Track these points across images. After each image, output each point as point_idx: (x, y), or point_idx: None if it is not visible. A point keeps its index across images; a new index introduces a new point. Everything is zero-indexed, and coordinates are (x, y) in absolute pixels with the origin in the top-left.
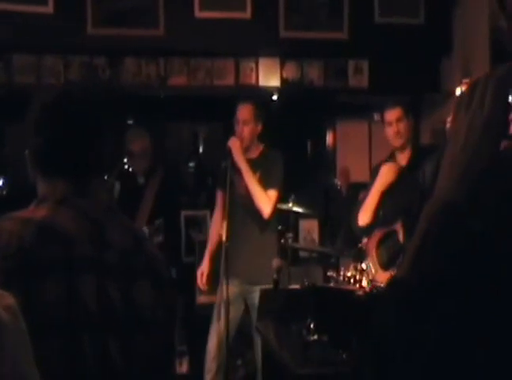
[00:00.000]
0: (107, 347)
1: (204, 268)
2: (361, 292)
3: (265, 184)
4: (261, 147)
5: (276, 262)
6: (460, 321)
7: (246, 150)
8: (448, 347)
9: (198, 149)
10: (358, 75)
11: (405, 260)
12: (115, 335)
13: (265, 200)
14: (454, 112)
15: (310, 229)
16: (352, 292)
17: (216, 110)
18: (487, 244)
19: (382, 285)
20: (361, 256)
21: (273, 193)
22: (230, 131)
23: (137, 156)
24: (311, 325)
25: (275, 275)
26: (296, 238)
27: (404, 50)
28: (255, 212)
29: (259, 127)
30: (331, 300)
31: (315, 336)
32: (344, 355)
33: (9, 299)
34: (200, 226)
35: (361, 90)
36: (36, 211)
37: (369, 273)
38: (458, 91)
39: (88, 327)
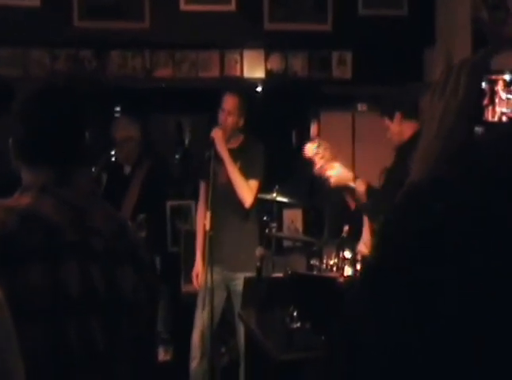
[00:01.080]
0: (90, 330)
1: (198, 269)
2: (342, 279)
3: (246, 174)
4: (241, 137)
5: (259, 251)
6: (419, 300)
7: (227, 139)
8: (406, 327)
9: (183, 140)
10: (342, 66)
11: (373, 242)
12: (98, 319)
13: (246, 190)
14: (429, 98)
15: (294, 218)
16: (333, 279)
17: (201, 101)
18: (449, 224)
19: None
20: (344, 244)
21: (253, 183)
22: (215, 122)
23: (124, 146)
24: (294, 313)
25: (258, 264)
26: (279, 228)
27: (387, 41)
28: (237, 201)
29: (242, 120)
30: (313, 287)
31: (298, 324)
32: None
33: None
34: (185, 215)
35: (344, 81)
36: (20, 200)
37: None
38: None
39: (72, 311)
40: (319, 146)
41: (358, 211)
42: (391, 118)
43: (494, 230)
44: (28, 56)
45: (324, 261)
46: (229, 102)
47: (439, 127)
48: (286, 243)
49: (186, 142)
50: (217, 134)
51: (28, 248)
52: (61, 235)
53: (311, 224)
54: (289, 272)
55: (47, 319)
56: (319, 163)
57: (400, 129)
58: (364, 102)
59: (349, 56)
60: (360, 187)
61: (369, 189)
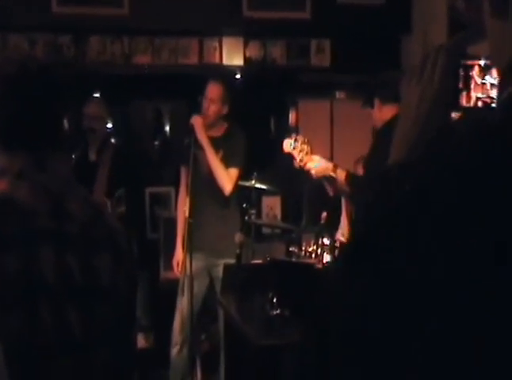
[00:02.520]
0: (67, 318)
1: (178, 257)
2: (320, 265)
3: (227, 163)
4: (225, 126)
5: (238, 237)
6: (387, 282)
7: (209, 127)
8: (372, 311)
9: (162, 126)
10: (320, 54)
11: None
12: (75, 305)
13: (225, 178)
14: (406, 84)
15: (272, 205)
16: (312, 265)
17: (181, 88)
18: (406, 210)
19: None
20: (322, 231)
21: (234, 171)
22: (194, 109)
23: (91, 132)
24: (273, 299)
25: (238, 250)
26: (258, 215)
27: (365, 30)
28: (218, 188)
29: (225, 108)
30: (292, 274)
31: (278, 310)
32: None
33: None
34: (165, 202)
35: (323, 69)
36: None
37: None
38: None
39: (47, 299)
40: (296, 141)
41: (337, 199)
42: (372, 105)
43: (448, 220)
44: (6, 41)
45: (303, 248)
46: (212, 90)
47: (416, 113)
48: (265, 230)
49: (165, 128)
50: (197, 122)
51: (3, 234)
52: (37, 222)
53: (290, 211)
54: (268, 259)
55: (22, 307)
56: (298, 157)
57: (381, 115)
58: (343, 90)
59: (327, 44)
60: (340, 176)
61: (350, 176)
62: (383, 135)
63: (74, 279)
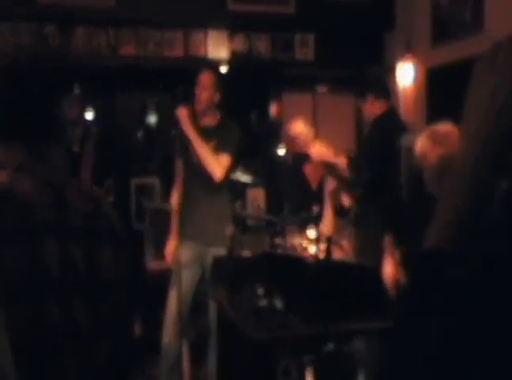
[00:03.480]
0: (72, 311)
1: (171, 247)
2: (311, 259)
3: (219, 150)
4: (218, 116)
5: (229, 230)
6: None
7: (202, 115)
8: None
9: (147, 118)
10: (305, 48)
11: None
12: (80, 298)
13: (215, 164)
14: (474, 76)
15: (256, 197)
16: (303, 259)
17: (166, 80)
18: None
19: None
20: (308, 223)
21: (225, 158)
22: (178, 101)
23: (71, 124)
24: (264, 292)
25: (229, 243)
26: (243, 207)
27: (349, 25)
28: (209, 178)
29: (217, 96)
30: (283, 267)
31: (268, 302)
32: (296, 320)
33: None
34: (150, 193)
35: (306, 63)
36: None
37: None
38: (400, 65)
39: (53, 292)
40: (305, 125)
41: (320, 192)
42: (364, 100)
43: None
44: None
45: (288, 241)
46: (204, 78)
47: (489, 106)
48: (249, 222)
49: (150, 120)
50: (182, 113)
51: (6, 228)
52: (40, 215)
53: (273, 203)
54: (261, 252)
55: (28, 301)
56: (303, 140)
57: (373, 109)
58: (326, 84)
59: (311, 39)
60: (342, 161)
61: (352, 161)
62: (378, 126)
63: (79, 271)
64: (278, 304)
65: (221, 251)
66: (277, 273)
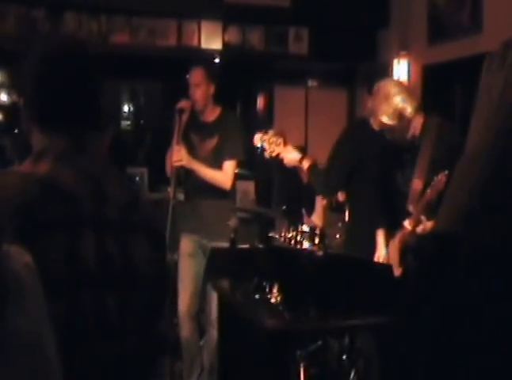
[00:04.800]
0: (106, 303)
1: (174, 147)
2: (320, 253)
3: (223, 152)
4: (217, 110)
5: (233, 221)
6: None
7: (201, 111)
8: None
9: (137, 107)
10: (298, 42)
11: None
12: (113, 291)
13: (222, 180)
14: (484, 71)
15: (247, 190)
16: (312, 253)
17: (157, 70)
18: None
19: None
20: (297, 217)
21: (231, 164)
22: (169, 91)
23: None
24: (266, 284)
25: (232, 235)
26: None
27: (344, 20)
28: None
29: (212, 88)
30: (289, 260)
31: (272, 294)
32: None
33: (26, 257)
34: (138, 183)
35: (300, 57)
36: (37, 167)
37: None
38: (395, 62)
39: (88, 283)
40: (266, 134)
41: (311, 185)
42: (370, 92)
43: None
44: None
45: (282, 234)
46: (194, 75)
47: (499, 100)
48: (239, 214)
49: (139, 109)
50: (185, 105)
51: (47, 217)
52: (79, 206)
53: (263, 196)
54: (266, 245)
55: (63, 291)
56: (269, 149)
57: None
58: (319, 78)
59: (305, 32)
60: (304, 166)
61: (312, 167)
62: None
63: (114, 264)
64: (283, 297)
65: (223, 245)
66: (283, 266)
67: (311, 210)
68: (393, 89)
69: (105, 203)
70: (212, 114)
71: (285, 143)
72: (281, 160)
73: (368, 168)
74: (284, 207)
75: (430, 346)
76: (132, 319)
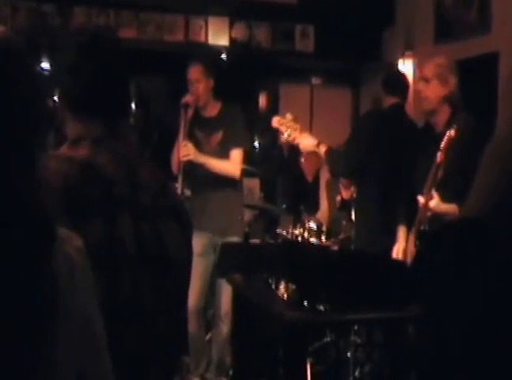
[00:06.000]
0: (140, 285)
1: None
2: (336, 247)
3: (229, 144)
4: (219, 105)
5: (247, 216)
6: None
7: (203, 107)
8: None
9: (143, 103)
10: (305, 40)
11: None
12: (147, 274)
13: (230, 168)
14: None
15: (252, 187)
16: (327, 247)
17: (164, 65)
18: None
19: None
20: (302, 214)
21: (238, 153)
22: (176, 86)
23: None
24: (281, 277)
25: (246, 229)
26: None
27: (349, 18)
28: None
29: (211, 83)
30: (304, 254)
31: (284, 288)
32: (322, 307)
33: (78, 241)
34: None
35: (306, 54)
36: (76, 151)
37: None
38: (401, 62)
39: (126, 264)
40: (285, 117)
41: (315, 183)
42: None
43: None
44: None
45: (289, 230)
46: (193, 72)
47: None
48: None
49: (145, 104)
50: (190, 99)
51: (88, 199)
52: (116, 189)
53: (269, 193)
54: (280, 240)
55: (103, 272)
56: (286, 132)
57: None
58: (323, 76)
59: (311, 30)
60: (321, 150)
61: (329, 151)
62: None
63: (148, 247)
64: (296, 289)
65: (235, 239)
66: (298, 260)
67: (313, 208)
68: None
69: (138, 188)
70: (213, 109)
71: (301, 130)
72: (297, 145)
73: (383, 157)
74: (285, 206)
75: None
76: (163, 301)
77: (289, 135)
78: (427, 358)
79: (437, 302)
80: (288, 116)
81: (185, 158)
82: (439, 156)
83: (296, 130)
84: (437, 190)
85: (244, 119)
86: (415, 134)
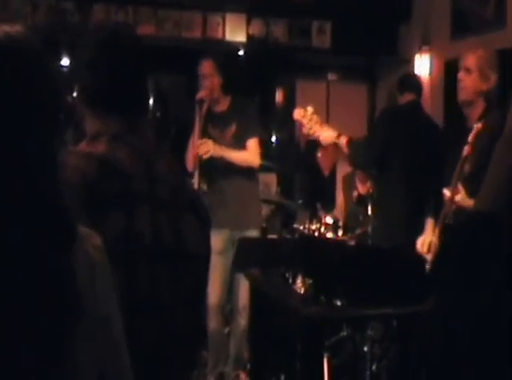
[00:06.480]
0: (158, 279)
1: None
2: (352, 242)
3: (243, 136)
4: (228, 99)
5: (265, 211)
6: None
7: (215, 102)
8: None
9: (160, 99)
10: (321, 36)
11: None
12: (165, 268)
13: (250, 157)
14: None
15: (269, 182)
16: (344, 242)
17: (181, 62)
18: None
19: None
20: (318, 209)
21: (254, 142)
22: (193, 83)
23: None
24: (298, 272)
25: (264, 224)
26: None
27: (366, 14)
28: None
29: (221, 78)
30: (321, 249)
31: (302, 283)
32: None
33: (97, 239)
34: None
35: (323, 50)
36: (94, 146)
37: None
38: (417, 57)
39: (144, 259)
40: (306, 111)
41: (332, 178)
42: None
43: None
44: (8, 5)
45: (306, 225)
46: (206, 66)
47: None
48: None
49: (163, 101)
50: (205, 95)
51: (106, 195)
52: (134, 184)
53: (285, 188)
54: (297, 235)
55: (121, 266)
56: (307, 125)
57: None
58: (340, 72)
59: (328, 26)
60: (342, 141)
61: (351, 141)
62: None
63: (166, 241)
64: (314, 285)
65: (256, 233)
66: (315, 255)
67: (329, 204)
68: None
69: (156, 183)
70: (224, 103)
71: (321, 122)
72: (318, 138)
73: (401, 152)
74: (301, 201)
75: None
76: (181, 296)
77: (310, 128)
78: (436, 353)
79: (446, 297)
80: (310, 109)
81: (207, 155)
82: (466, 149)
83: (316, 123)
84: (463, 184)
85: (254, 109)
86: (433, 129)
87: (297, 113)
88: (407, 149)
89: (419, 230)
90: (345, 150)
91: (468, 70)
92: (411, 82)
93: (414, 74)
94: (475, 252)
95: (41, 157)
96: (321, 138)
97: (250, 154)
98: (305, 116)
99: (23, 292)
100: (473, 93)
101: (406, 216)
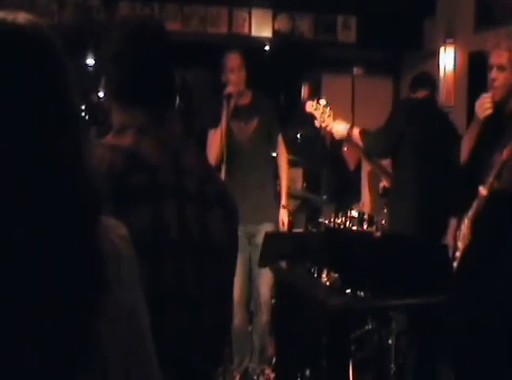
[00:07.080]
0: (184, 273)
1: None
2: (378, 233)
3: (265, 130)
4: (250, 93)
5: (291, 205)
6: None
7: (239, 96)
8: None
9: (186, 95)
10: (346, 30)
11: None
12: (191, 261)
13: (286, 160)
14: None
15: (295, 177)
16: (370, 234)
17: (207, 58)
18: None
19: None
20: (344, 204)
21: (281, 141)
22: (219, 78)
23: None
24: (324, 266)
25: (290, 218)
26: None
27: (390, 8)
28: (256, 157)
29: (245, 73)
30: (346, 240)
31: (328, 276)
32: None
33: (122, 229)
34: None
35: (348, 45)
36: (120, 139)
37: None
38: (442, 50)
39: (170, 252)
40: (318, 103)
41: (357, 172)
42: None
43: None
44: (35, 3)
45: (332, 219)
46: (233, 59)
47: None
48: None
49: (188, 96)
50: (233, 90)
51: (132, 187)
52: (161, 176)
53: (311, 183)
54: (322, 228)
55: (148, 259)
56: (319, 118)
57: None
58: (365, 67)
59: (353, 21)
60: (355, 133)
61: (363, 132)
62: None
63: (192, 235)
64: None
65: (271, 226)
66: (341, 247)
67: (355, 198)
68: None
69: (183, 175)
70: (246, 97)
71: (334, 116)
72: (330, 132)
73: (414, 144)
74: (326, 196)
75: None
76: (207, 291)
77: (323, 121)
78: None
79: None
80: (322, 102)
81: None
82: (505, 152)
83: (329, 116)
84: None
85: (273, 106)
86: (447, 124)
87: (309, 106)
88: (421, 140)
89: (431, 221)
90: (359, 141)
91: (501, 68)
92: (423, 79)
93: (425, 72)
94: (501, 233)
95: (71, 154)
96: (333, 131)
97: (284, 158)
98: (317, 109)
99: (49, 279)
100: (510, 91)
101: (417, 207)
